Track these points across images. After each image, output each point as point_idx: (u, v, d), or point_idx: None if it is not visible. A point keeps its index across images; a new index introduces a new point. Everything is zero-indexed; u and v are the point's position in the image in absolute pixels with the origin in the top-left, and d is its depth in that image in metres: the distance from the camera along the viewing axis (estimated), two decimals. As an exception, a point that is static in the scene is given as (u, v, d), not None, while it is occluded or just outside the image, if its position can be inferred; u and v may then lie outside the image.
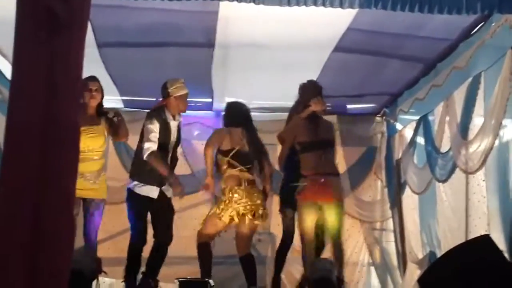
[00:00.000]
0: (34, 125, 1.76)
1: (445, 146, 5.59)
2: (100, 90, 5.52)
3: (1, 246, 1.76)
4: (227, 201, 5.51)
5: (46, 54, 1.75)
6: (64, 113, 1.79)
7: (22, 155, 1.77)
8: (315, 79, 6.40)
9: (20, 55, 1.77)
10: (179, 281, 5.00)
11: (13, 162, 1.78)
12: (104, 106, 5.60)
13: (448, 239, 5.55)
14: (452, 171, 5.40)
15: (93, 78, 5.46)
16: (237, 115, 5.77)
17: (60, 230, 1.79)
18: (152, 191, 5.37)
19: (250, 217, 5.47)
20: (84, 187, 5.17)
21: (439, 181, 5.73)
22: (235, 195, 5.49)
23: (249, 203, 5.47)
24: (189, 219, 6.77)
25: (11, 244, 1.75)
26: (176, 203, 5.72)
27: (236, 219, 5.48)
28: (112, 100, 7.19)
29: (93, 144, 5.29)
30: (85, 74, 5.48)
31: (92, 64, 5.81)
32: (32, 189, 1.77)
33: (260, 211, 5.53)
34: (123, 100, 7.35)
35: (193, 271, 5.89)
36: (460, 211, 5.41)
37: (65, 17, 1.74)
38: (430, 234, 6.09)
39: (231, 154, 5.55)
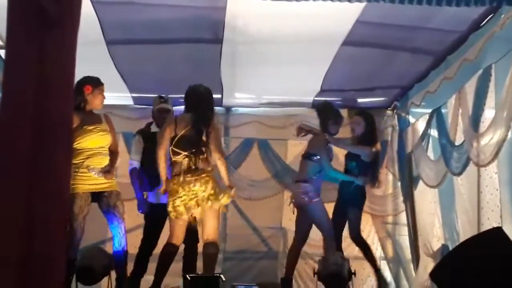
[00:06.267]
0: (26, 120, 1.79)
1: (459, 139, 5.54)
2: None
3: None
4: (173, 195, 5.30)
5: (37, 51, 1.77)
6: (56, 108, 1.82)
7: (14, 149, 1.80)
8: (324, 73, 6.40)
9: (12, 51, 1.80)
10: (190, 276, 4.98)
11: (5, 156, 1.81)
12: (114, 104, 5.62)
13: (467, 231, 5.50)
14: (466, 164, 5.34)
15: (101, 82, 5.41)
16: (189, 100, 5.52)
17: (53, 220, 1.83)
18: None
19: (194, 207, 5.25)
20: (98, 182, 5.27)
21: (454, 174, 5.67)
22: (179, 187, 5.26)
23: (183, 193, 5.22)
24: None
25: (5, 235, 1.78)
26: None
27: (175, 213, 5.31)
28: (122, 97, 7.23)
29: (101, 142, 5.34)
30: (95, 71, 5.55)
31: (101, 61, 5.83)
32: (25, 183, 1.80)
33: (206, 197, 5.23)
34: (133, 97, 7.37)
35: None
36: (474, 204, 5.37)
37: (56, 15, 1.76)
38: (450, 227, 6.04)
39: (174, 141, 5.33)
